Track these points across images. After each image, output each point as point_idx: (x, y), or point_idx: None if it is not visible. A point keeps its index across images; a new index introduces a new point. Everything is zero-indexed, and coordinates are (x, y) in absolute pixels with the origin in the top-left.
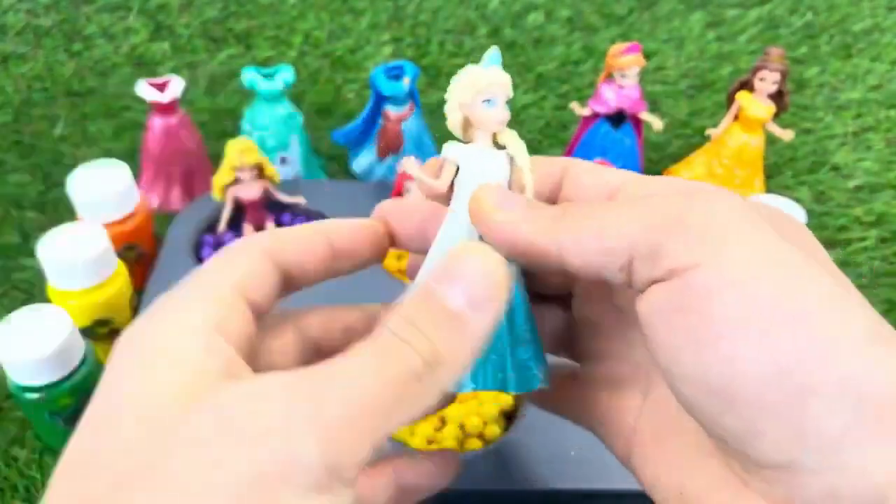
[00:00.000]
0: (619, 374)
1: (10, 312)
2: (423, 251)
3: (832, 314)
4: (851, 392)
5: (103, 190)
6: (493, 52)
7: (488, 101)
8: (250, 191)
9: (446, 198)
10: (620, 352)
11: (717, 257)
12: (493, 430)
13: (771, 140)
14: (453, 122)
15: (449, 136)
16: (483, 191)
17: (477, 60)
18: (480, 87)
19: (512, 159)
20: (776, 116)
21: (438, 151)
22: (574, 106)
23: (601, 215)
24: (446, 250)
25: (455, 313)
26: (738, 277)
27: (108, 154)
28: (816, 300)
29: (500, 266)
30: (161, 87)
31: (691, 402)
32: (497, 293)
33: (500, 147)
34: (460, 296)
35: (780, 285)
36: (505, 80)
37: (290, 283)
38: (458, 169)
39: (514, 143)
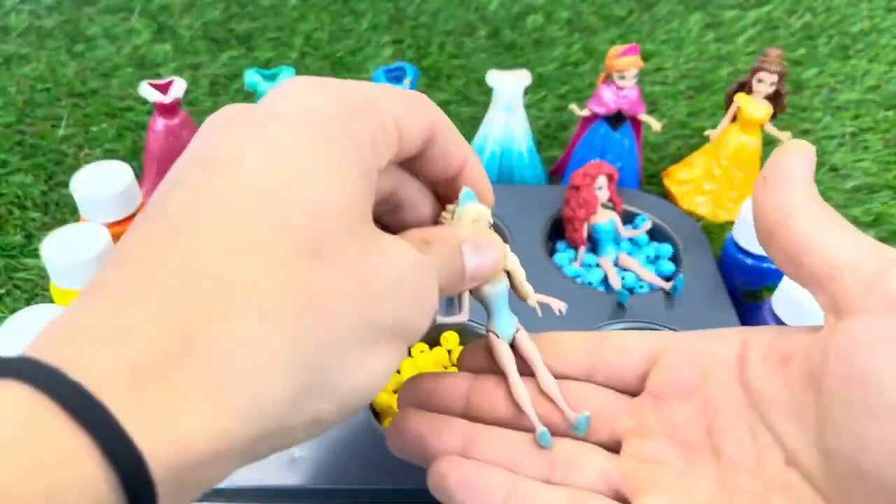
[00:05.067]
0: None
1: (13, 312)
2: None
3: None
4: None
5: (106, 190)
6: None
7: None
8: None
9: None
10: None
11: None
12: None
13: (769, 141)
14: None
15: None
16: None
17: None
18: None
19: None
20: (774, 117)
21: None
22: (573, 108)
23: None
24: None
25: None
26: None
27: (110, 155)
28: None
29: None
30: (163, 89)
31: (872, 440)
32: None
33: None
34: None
35: None
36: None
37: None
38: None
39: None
